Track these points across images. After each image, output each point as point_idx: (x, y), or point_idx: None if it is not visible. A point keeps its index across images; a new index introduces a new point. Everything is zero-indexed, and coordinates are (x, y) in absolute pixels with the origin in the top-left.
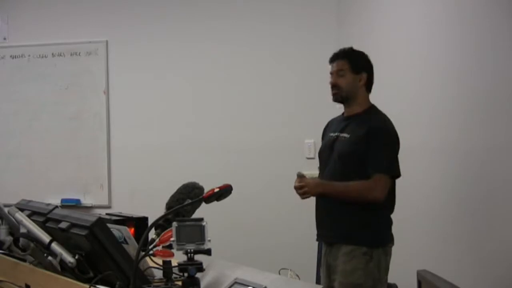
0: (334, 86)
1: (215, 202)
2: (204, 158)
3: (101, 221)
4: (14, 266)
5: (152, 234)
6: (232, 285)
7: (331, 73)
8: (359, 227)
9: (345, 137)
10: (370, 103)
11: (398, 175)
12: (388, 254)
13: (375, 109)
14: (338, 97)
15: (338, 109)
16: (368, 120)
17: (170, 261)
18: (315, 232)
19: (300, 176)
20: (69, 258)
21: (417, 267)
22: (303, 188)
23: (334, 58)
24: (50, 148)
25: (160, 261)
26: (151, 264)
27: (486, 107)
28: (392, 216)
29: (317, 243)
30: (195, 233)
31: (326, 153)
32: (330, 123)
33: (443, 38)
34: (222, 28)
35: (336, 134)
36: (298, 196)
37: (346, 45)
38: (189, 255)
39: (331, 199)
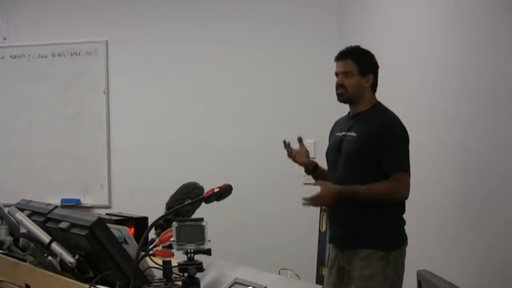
0: (340, 86)
1: (215, 202)
2: (204, 158)
3: (101, 221)
4: (14, 266)
5: (152, 234)
6: (232, 285)
7: (337, 73)
8: (374, 231)
9: (352, 136)
10: (375, 100)
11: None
12: (404, 256)
13: (381, 106)
14: (344, 98)
15: (339, 109)
16: (376, 118)
17: (170, 261)
18: (315, 232)
19: (300, 140)
20: (69, 258)
21: (418, 267)
22: (317, 199)
23: (340, 57)
24: (50, 148)
25: (160, 261)
26: (151, 264)
27: (486, 107)
28: None
29: (317, 243)
30: (195, 233)
31: (334, 153)
32: (336, 123)
33: (443, 38)
34: (222, 28)
35: (343, 133)
36: (298, 196)
37: (346, 45)
38: (189, 255)
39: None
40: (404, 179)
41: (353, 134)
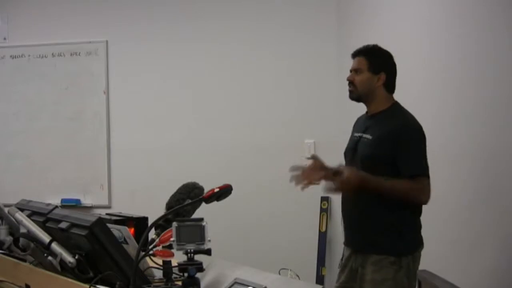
0: (350, 83)
1: (215, 202)
2: (204, 158)
3: (101, 221)
4: (14, 266)
5: (152, 234)
6: (232, 285)
7: (350, 70)
8: (386, 237)
9: (367, 138)
10: (392, 100)
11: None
12: (417, 260)
13: (398, 107)
14: (354, 95)
15: (339, 110)
16: (392, 119)
17: (170, 261)
18: (315, 232)
19: (315, 158)
20: (69, 258)
21: (419, 267)
22: (341, 183)
23: (354, 55)
24: (50, 148)
25: (160, 261)
26: (151, 264)
27: (487, 107)
28: None
29: (317, 243)
30: (195, 233)
31: (350, 154)
32: (357, 120)
33: (443, 38)
34: (222, 28)
35: (360, 134)
36: (298, 196)
37: (345, 45)
38: (189, 255)
39: (359, 204)
40: (426, 183)
41: (368, 136)
